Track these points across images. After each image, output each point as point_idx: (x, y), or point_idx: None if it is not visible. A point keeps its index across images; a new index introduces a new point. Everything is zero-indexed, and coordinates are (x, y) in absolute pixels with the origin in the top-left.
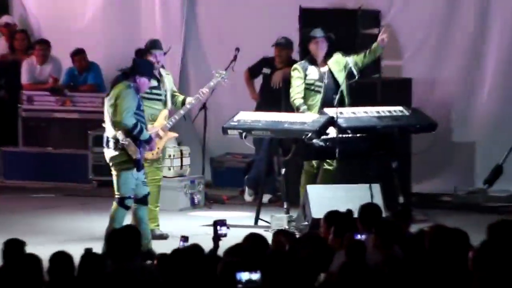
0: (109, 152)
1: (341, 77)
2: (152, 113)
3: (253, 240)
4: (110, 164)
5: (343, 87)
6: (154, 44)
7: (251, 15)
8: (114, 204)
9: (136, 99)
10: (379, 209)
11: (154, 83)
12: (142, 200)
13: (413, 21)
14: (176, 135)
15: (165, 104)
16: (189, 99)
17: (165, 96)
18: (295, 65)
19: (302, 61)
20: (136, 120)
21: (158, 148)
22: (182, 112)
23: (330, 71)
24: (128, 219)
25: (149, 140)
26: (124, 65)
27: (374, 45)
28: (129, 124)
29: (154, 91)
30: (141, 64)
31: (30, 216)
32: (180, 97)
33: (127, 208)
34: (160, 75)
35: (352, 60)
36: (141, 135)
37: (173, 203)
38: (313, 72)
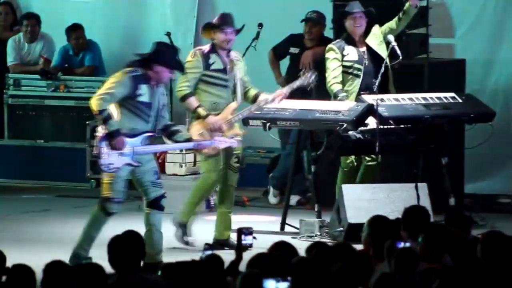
0: None
1: (382, 50)
2: (215, 101)
3: (280, 249)
4: None
5: (386, 60)
6: (225, 20)
7: None
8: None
9: (128, 88)
10: (427, 212)
11: (219, 65)
12: (153, 204)
13: None
14: (242, 132)
15: (233, 93)
16: (263, 96)
17: (234, 84)
18: (330, 45)
19: (338, 40)
20: (106, 108)
21: None
22: (252, 109)
23: (369, 51)
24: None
25: (113, 134)
26: (128, 44)
27: (406, 5)
28: (95, 107)
29: (219, 74)
30: (162, 52)
31: (18, 220)
32: (253, 91)
33: (107, 213)
34: (229, 57)
35: (392, 37)
36: (107, 124)
37: None
38: (351, 53)
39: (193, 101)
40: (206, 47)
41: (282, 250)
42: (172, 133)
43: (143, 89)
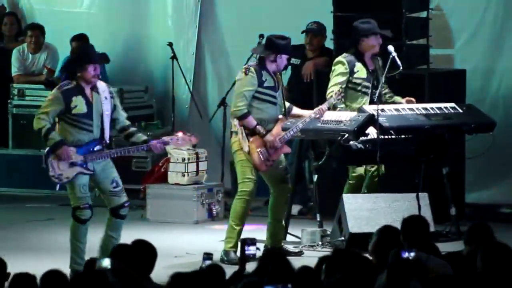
0: None
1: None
2: (262, 118)
3: (271, 258)
4: None
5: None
6: (288, 47)
7: None
8: None
9: (61, 103)
10: (426, 222)
11: (270, 82)
12: (113, 213)
13: (467, 3)
14: (289, 150)
15: (281, 109)
16: (298, 111)
17: (282, 101)
18: (340, 58)
19: (348, 55)
20: (45, 124)
21: (273, 161)
22: (300, 125)
23: (375, 70)
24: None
25: (56, 145)
26: (131, 55)
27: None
28: (34, 127)
29: (270, 92)
30: (78, 55)
31: (22, 229)
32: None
33: (80, 221)
34: (275, 74)
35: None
36: (48, 138)
37: (187, 214)
38: (361, 71)
39: (251, 120)
40: (255, 64)
41: (273, 258)
42: (129, 134)
43: (77, 101)
